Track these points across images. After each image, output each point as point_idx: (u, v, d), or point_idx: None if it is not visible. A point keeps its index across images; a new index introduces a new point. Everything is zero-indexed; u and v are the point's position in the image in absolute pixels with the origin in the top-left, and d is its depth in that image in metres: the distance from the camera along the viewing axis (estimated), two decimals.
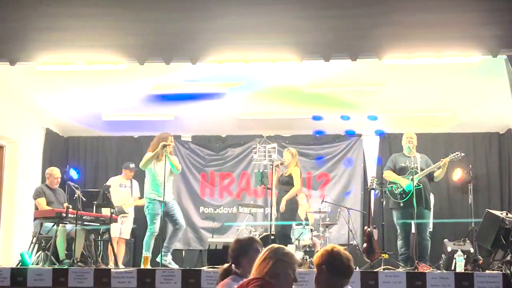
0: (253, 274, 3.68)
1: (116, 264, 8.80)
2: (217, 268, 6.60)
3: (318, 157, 11.97)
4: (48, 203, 9.04)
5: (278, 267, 3.64)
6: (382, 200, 9.26)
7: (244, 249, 4.33)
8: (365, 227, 9.05)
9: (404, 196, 8.43)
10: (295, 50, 6.49)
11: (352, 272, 3.74)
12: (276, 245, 3.80)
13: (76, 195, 8.45)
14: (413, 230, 8.52)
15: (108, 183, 9.88)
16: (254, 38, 6.50)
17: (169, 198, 8.88)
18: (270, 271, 3.61)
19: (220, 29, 6.52)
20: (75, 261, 8.00)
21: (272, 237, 8.57)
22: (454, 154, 8.69)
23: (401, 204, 8.48)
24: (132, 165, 10.43)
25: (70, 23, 6.58)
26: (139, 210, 10.64)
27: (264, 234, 9.53)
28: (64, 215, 8.31)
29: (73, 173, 10.43)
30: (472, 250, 8.51)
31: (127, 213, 10.12)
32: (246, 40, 6.53)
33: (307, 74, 9.40)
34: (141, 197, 10.47)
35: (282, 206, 9.02)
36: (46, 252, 8.43)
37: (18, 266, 7.77)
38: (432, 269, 7.43)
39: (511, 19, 6.21)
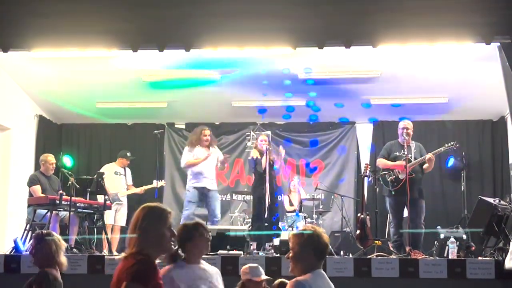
0: None
1: (110, 251, 8.81)
2: (210, 254, 6.63)
3: (312, 145, 11.98)
4: (43, 191, 9.00)
5: None
6: (376, 187, 9.28)
7: (189, 234, 4.21)
8: (359, 214, 9.06)
9: (396, 184, 8.43)
10: (289, 37, 6.45)
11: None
12: None
13: (69, 182, 8.43)
14: (405, 214, 8.52)
15: (102, 170, 9.85)
16: (248, 24, 6.46)
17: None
18: None
19: (214, 15, 6.48)
20: (68, 248, 8.00)
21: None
22: (449, 144, 8.66)
23: (393, 192, 8.49)
24: (129, 154, 10.42)
25: (63, 8, 6.51)
26: (132, 198, 10.63)
27: None
28: (57, 202, 8.30)
29: (67, 160, 10.40)
30: (464, 237, 8.55)
31: (121, 201, 10.11)
32: (240, 27, 6.49)
33: (301, 61, 9.39)
34: (134, 185, 10.47)
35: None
36: None
37: (12, 253, 7.76)
38: (424, 256, 7.46)
39: (505, 6, 6.20)
